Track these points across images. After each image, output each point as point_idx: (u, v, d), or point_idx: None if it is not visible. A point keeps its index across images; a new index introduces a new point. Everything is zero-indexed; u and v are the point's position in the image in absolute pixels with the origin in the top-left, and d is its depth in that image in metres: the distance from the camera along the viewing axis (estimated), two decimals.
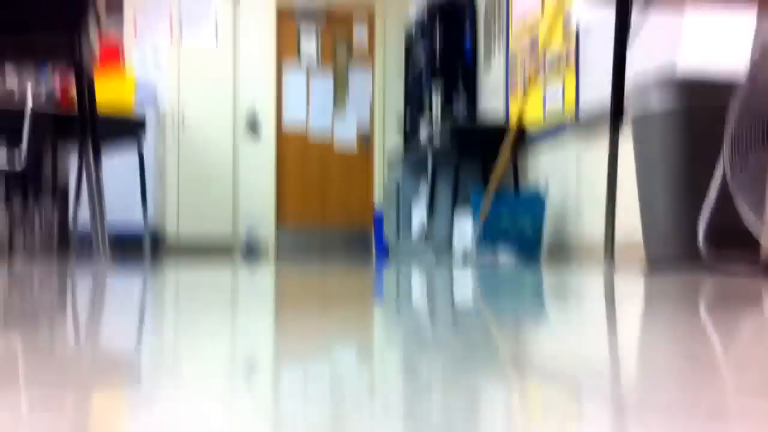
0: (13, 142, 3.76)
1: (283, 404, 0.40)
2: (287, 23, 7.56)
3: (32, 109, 3.76)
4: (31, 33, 2.95)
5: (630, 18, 2.87)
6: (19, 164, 3.58)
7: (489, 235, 4.62)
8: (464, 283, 1.72)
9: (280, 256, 6.17)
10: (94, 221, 3.03)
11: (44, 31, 2.93)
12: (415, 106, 6.83)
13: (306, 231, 7.48)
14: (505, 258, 4.08)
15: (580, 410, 0.37)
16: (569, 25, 4.57)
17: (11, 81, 5.27)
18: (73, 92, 3.68)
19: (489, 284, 1.66)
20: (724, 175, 2.43)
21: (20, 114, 3.74)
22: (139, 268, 2.56)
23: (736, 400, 0.39)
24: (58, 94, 5.07)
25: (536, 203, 4.60)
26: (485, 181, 5.69)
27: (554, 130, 4.67)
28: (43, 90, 5.72)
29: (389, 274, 2.27)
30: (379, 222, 7.08)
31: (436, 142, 5.34)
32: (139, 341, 0.68)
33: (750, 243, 2.72)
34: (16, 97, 5.07)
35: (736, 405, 0.38)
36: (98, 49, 3.40)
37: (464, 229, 4.89)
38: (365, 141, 7.60)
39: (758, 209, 2.25)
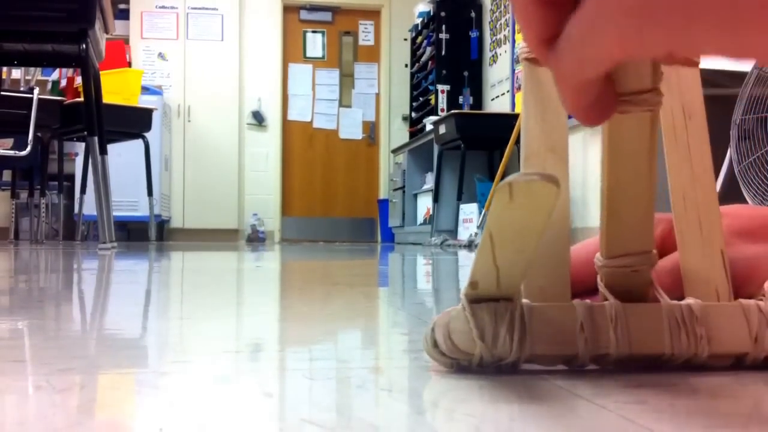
0: (20, 129, 3.77)
1: (289, 384, 0.40)
2: (293, 18, 7.53)
3: (39, 97, 3.76)
4: (38, 42, 2.95)
5: None
6: (25, 151, 3.59)
7: None
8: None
9: (284, 242, 6.18)
10: (100, 209, 3.04)
11: (52, 41, 2.93)
12: (421, 97, 6.81)
13: (311, 218, 7.48)
14: None
15: None
16: None
17: (18, 70, 5.28)
18: (79, 81, 3.69)
19: None
20: (731, 162, 2.42)
21: (27, 102, 3.75)
22: (143, 254, 2.57)
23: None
24: (64, 82, 5.07)
25: None
26: (491, 170, 5.68)
27: None
28: (49, 78, 5.73)
29: (393, 259, 2.27)
30: (384, 210, 7.07)
31: (442, 130, 5.33)
32: (144, 322, 0.68)
33: None
34: (23, 85, 5.08)
35: None
36: (105, 50, 3.40)
37: (469, 217, 4.89)
38: (370, 137, 7.57)
39: (764, 196, 2.24)
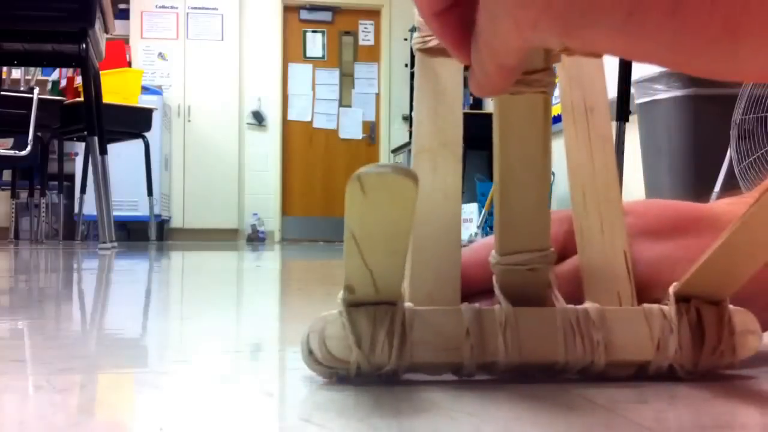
0: (20, 129, 3.77)
1: (289, 384, 0.40)
2: (293, 18, 7.52)
3: (39, 97, 3.76)
4: (38, 42, 2.95)
5: None
6: (25, 150, 3.59)
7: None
8: None
9: (284, 242, 6.17)
10: (100, 209, 3.04)
11: (52, 41, 2.93)
12: None
13: (311, 217, 7.47)
14: None
15: None
16: None
17: (17, 70, 5.28)
18: (79, 81, 3.69)
19: None
20: (730, 162, 2.42)
21: (27, 102, 3.75)
22: (143, 254, 2.57)
23: None
24: (64, 82, 5.07)
25: None
26: (491, 170, 5.68)
27: (559, 116, 4.64)
28: (49, 78, 5.73)
29: None
30: None
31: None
32: (144, 322, 0.68)
33: None
34: (23, 85, 5.08)
35: None
36: (105, 50, 3.40)
37: (469, 217, 4.89)
38: (370, 137, 7.56)
39: None
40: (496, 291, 0.38)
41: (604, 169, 0.41)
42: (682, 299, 0.38)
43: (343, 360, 0.36)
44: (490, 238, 0.43)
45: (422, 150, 0.41)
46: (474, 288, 0.41)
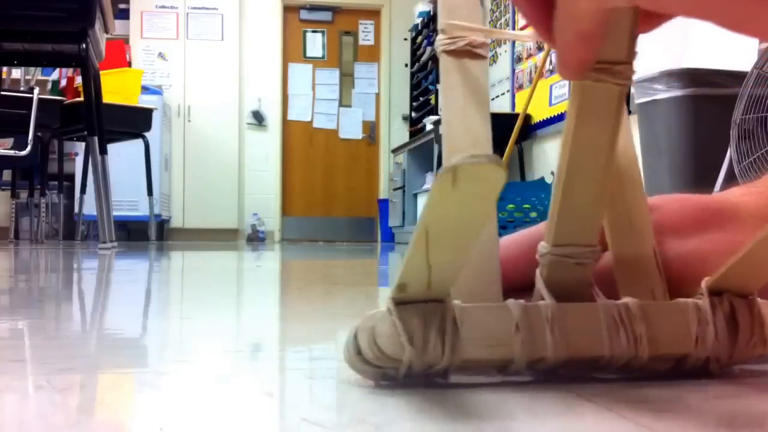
0: (20, 129, 3.77)
1: (289, 384, 0.40)
2: (293, 18, 7.52)
3: (39, 97, 3.76)
4: (38, 42, 2.95)
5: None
6: (25, 150, 3.59)
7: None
8: None
9: (285, 242, 6.18)
10: (100, 209, 3.04)
11: (52, 41, 2.93)
12: (421, 97, 6.81)
13: (311, 217, 7.47)
14: None
15: None
16: None
17: (18, 70, 5.27)
18: (79, 81, 3.69)
19: None
20: (730, 162, 2.42)
21: (27, 102, 3.75)
22: (143, 254, 2.57)
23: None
24: (64, 82, 5.07)
25: (541, 190, 4.58)
26: None
27: (560, 116, 4.65)
28: (49, 78, 5.72)
29: (394, 259, 2.28)
30: (384, 209, 7.07)
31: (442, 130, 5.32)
32: (144, 322, 0.68)
33: None
34: (23, 85, 5.07)
35: None
36: (105, 50, 3.40)
37: None
38: (370, 137, 7.56)
39: None
40: (540, 284, 0.38)
41: (627, 168, 0.42)
42: (714, 293, 0.39)
43: (394, 358, 0.35)
44: (518, 235, 0.43)
45: (453, 150, 0.41)
46: (507, 285, 0.41)
